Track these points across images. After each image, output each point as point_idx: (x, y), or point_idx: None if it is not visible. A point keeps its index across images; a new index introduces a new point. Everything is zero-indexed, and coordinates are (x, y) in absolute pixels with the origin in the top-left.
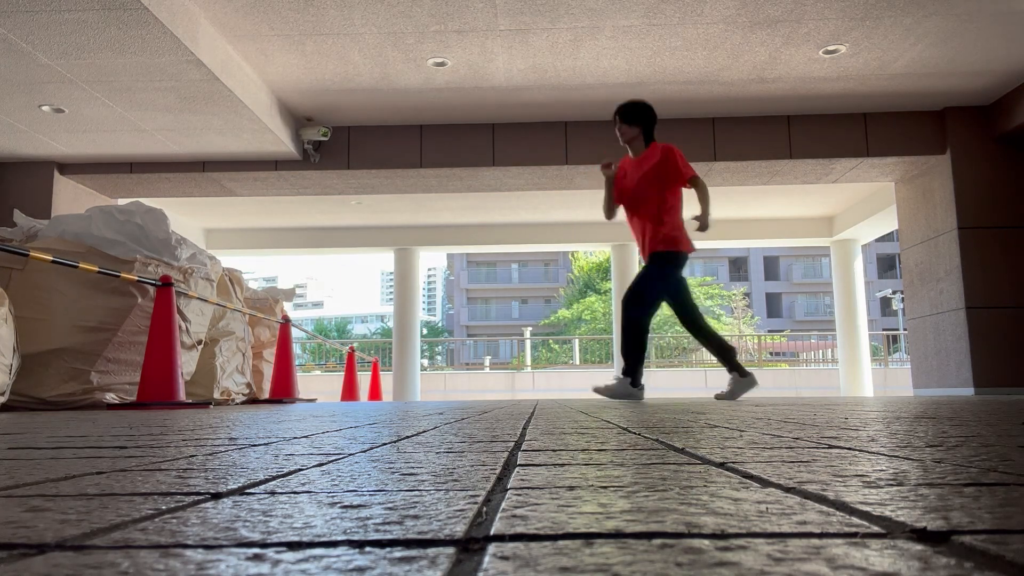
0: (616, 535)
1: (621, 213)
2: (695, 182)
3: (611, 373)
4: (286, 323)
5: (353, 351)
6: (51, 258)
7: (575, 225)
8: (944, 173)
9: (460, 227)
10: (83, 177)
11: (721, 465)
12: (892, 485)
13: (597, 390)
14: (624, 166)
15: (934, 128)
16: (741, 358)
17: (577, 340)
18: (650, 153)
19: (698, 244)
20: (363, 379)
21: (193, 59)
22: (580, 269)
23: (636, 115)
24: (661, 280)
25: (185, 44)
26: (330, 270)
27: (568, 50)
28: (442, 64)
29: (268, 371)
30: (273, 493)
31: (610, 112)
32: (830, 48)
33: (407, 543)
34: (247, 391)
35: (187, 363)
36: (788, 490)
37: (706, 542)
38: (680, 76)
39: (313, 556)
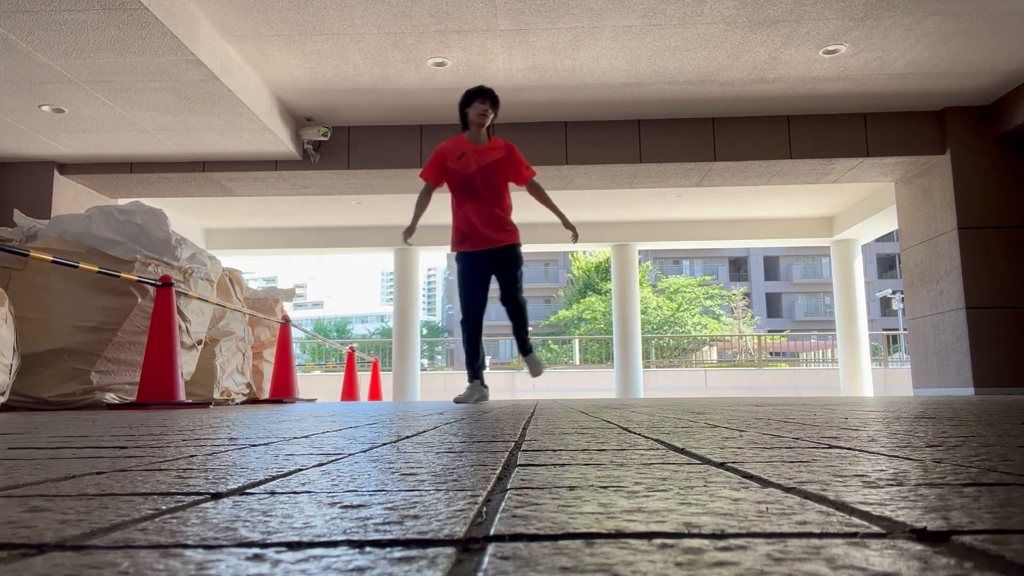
0: (616, 535)
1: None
2: (535, 184)
3: (611, 373)
4: (286, 323)
5: (353, 351)
6: (51, 258)
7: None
8: (944, 173)
9: None
10: (83, 177)
11: (721, 465)
12: (892, 485)
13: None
14: (460, 147)
15: (934, 128)
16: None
17: (577, 340)
18: (495, 145)
19: (697, 244)
20: (363, 379)
21: (193, 59)
22: (580, 269)
23: (498, 104)
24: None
25: (185, 44)
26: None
27: (568, 50)
28: (442, 64)
29: (268, 371)
30: (273, 493)
31: (610, 112)
32: (830, 48)
33: (407, 543)
34: (247, 391)
35: (187, 363)
36: (788, 490)
37: (706, 542)
38: (680, 76)
39: (313, 556)
